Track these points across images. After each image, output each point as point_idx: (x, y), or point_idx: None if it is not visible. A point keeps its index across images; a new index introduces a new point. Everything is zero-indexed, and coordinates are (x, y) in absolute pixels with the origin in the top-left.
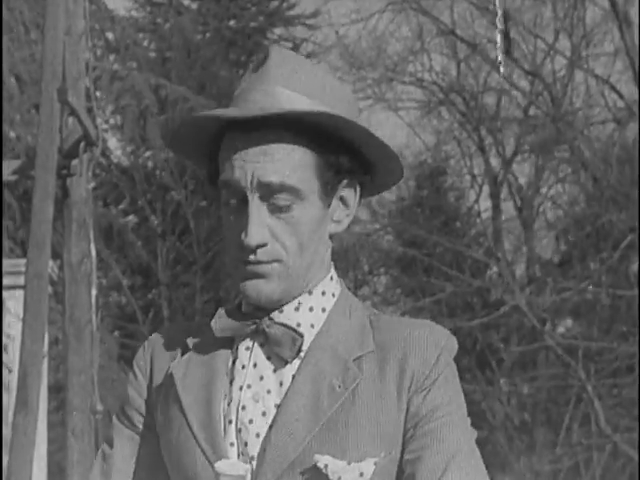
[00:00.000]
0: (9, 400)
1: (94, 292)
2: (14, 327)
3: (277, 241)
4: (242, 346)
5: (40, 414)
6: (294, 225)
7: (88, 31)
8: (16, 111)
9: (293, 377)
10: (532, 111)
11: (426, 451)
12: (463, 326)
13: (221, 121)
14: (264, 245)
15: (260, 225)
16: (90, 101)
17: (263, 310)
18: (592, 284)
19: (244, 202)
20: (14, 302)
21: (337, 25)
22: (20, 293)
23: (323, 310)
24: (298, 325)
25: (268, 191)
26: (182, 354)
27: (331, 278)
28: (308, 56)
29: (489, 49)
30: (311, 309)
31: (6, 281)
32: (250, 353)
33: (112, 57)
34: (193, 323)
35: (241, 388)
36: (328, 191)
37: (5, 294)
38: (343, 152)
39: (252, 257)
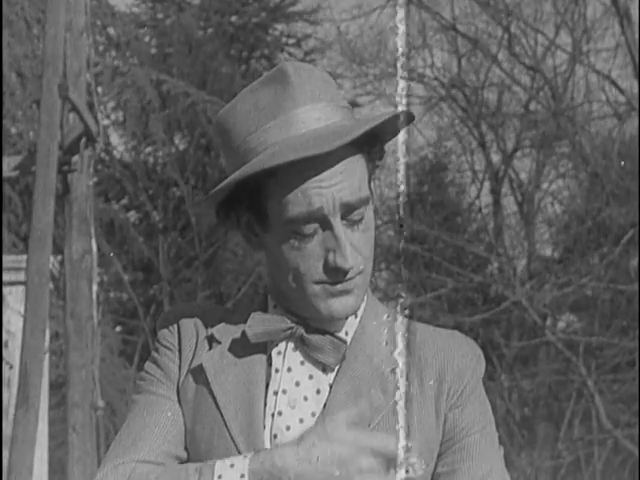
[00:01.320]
0: (10, 396)
1: (95, 288)
2: (15, 323)
3: (359, 254)
4: (274, 350)
5: (41, 410)
6: (366, 232)
7: (89, 27)
8: (17, 107)
9: (330, 386)
10: (533, 106)
11: (461, 465)
12: (464, 321)
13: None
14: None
15: (351, 246)
16: (91, 97)
17: (295, 315)
18: (592, 279)
19: (322, 227)
20: (15, 298)
21: (338, 21)
22: (21, 289)
23: (355, 316)
24: (335, 332)
25: (348, 210)
26: (209, 344)
27: None
28: (310, 52)
29: (490, 45)
30: (346, 317)
31: (7, 277)
32: (283, 357)
33: (113, 53)
34: (214, 308)
35: (276, 393)
36: (370, 188)
37: (6, 290)
38: (374, 145)
39: (340, 278)
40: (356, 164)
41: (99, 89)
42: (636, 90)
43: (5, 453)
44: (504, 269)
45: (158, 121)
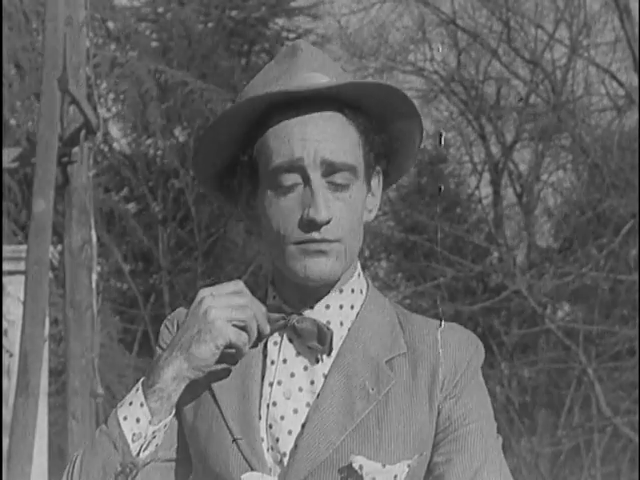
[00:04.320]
0: (9, 384)
1: (95, 277)
2: (14, 312)
3: (338, 221)
4: (270, 341)
5: (41, 397)
6: (350, 205)
7: (89, 21)
8: (16, 98)
9: (324, 376)
10: (532, 99)
11: (456, 455)
12: (464, 310)
13: (261, 107)
14: (329, 222)
15: (327, 203)
16: (91, 89)
17: (292, 307)
18: (592, 269)
19: (303, 182)
20: (14, 287)
21: (339, 15)
22: (21, 278)
23: (352, 307)
24: (328, 322)
25: (329, 169)
26: None
27: (359, 275)
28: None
29: (490, 39)
30: (341, 307)
31: (7, 266)
32: (279, 349)
33: (113, 46)
34: None
35: (271, 384)
36: (369, 174)
37: (5, 279)
38: (379, 132)
39: (317, 235)
40: (349, 131)
41: (98, 81)
42: (636, 83)
43: (5, 440)
44: (504, 259)
45: (156, 109)
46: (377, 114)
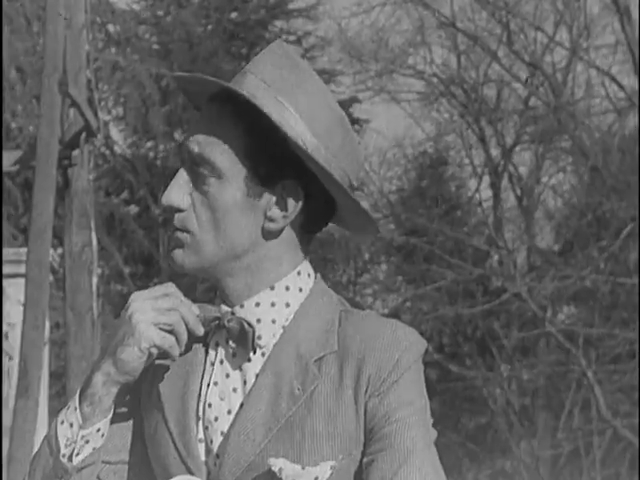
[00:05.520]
0: (10, 387)
1: (95, 280)
2: (15, 315)
3: (193, 212)
4: (212, 341)
5: (41, 400)
6: (210, 200)
7: (89, 24)
8: (17, 102)
9: (256, 376)
10: (532, 102)
11: (379, 455)
12: (464, 313)
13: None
14: (179, 211)
15: (180, 189)
16: (91, 93)
17: (229, 304)
18: (592, 272)
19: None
20: (15, 290)
21: (338, 18)
22: (21, 281)
23: (287, 305)
24: (258, 321)
25: (193, 161)
26: None
27: (298, 273)
28: (310, 48)
29: (489, 41)
30: (273, 304)
31: (7, 269)
32: (217, 349)
33: (113, 50)
34: None
35: (208, 385)
36: (259, 182)
37: (6, 282)
38: (292, 158)
39: (175, 222)
40: (224, 130)
41: (99, 85)
42: (636, 86)
43: (5, 443)
44: (504, 262)
45: (157, 112)
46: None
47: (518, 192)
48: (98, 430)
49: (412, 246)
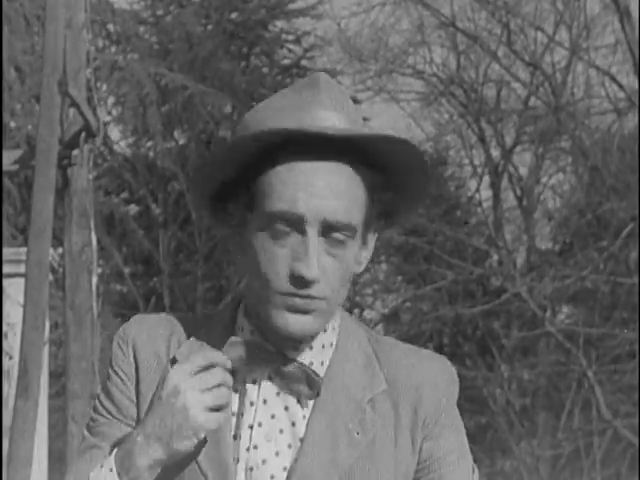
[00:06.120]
0: (9, 387)
1: (95, 280)
2: (14, 315)
3: (327, 279)
4: (249, 378)
5: (41, 400)
6: (341, 262)
7: (89, 24)
8: (16, 101)
9: (304, 417)
10: (532, 102)
11: None
12: (464, 313)
13: (271, 139)
14: (318, 281)
15: (319, 259)
16: (91, 92)
17: (273, 343)
18: (592, 272)
19: (298, 232)
20: (14, 290)
21: (338, 17)
22: (21, 281)
23: (331, 345)
24: (311, 364)
25: (329, 228)
26: (172, 364)
27: None
28: (310, 48)
29: (489, 41)
30: (323, 346)
31: (7, 269)
32: (259, 388)
33: (113, 49)
34: (179, 321)
35: (251, 427)
36: (367, 231)
37: (5, 282)
38: (385, 189)
39: (302, 291)
40: (357, 191)
41: (99, 84)
42: (636, 86)
43: (5, 443)
44: (504, 262)
45: (156, 111)
46: (387, 168)
47: (518, 192)
48: None
49: (412, 246)
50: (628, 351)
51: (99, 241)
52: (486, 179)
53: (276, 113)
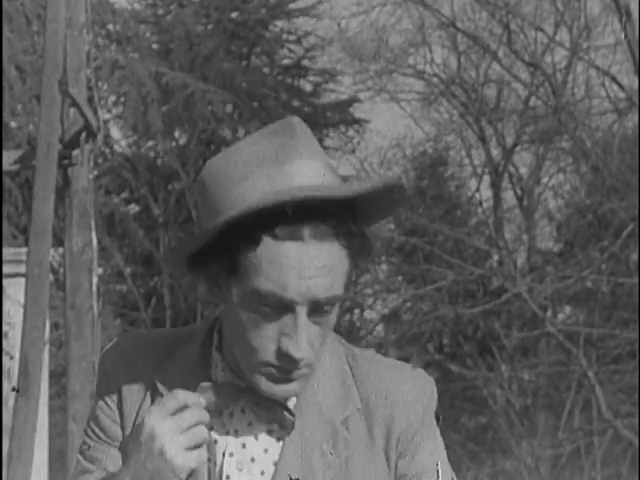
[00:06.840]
0: (10, 387)
1: (95, 280)
2: (15, 315)
3: (313, 347)
4: (225, 412)
5: (41, 400)
6: (327, 328)
7: (89, 23)
8: (17, 101)
9: (278, 440)
10: (532, 102)
11: None
12: (464, 313)
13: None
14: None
15: (308, 337)
16: (91, 92)
17: (246, 380)
18: (593, 272)
19: (286, 310)
20: (15, 290)
21: (339, 17)
22: (21, 281)
23: None
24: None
25: (317, 305)
26: (152, 397)
27: None
28: (310, 48)
29: (490, 41)
30: None
31: (7, 269)
32: (231, 419)
33: (113, 49)
34: (161, 341)
35: (224, 454)
36: (348, 284)
37: (6, 282)
38: (362, 234)
39: (290, 366)
40: (340, 261)
41: (99, 84)
42: (636, 86)
43: (5, 442)
44: (504, 262)
45: (157, 111)
46: (367, 212)
47: (518, 192)
48: None
49: (412, 246)
50: (628, 351)
51: (99, 241)
52: (486, 179)
53: (257, 169)
